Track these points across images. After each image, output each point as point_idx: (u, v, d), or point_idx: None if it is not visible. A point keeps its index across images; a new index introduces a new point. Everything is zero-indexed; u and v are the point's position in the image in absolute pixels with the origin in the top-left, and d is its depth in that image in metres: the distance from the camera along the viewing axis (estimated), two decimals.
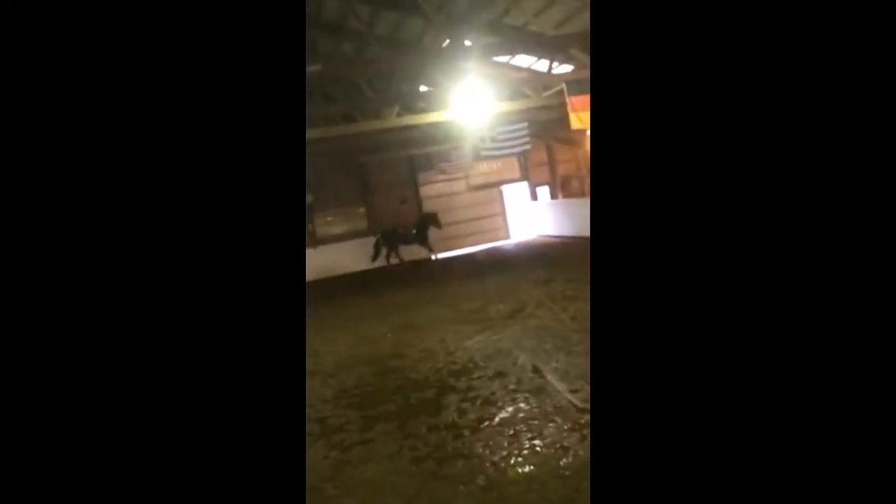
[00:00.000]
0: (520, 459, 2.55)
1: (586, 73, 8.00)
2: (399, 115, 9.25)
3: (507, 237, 13.12)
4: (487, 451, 2.68)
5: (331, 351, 5.09)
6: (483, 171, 13.08)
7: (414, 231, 10.80)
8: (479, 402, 3.34)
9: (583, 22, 8.54)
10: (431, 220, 10.81)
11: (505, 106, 9.21)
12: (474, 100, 8.69)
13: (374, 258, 10.68)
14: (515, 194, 13.42)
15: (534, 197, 13.46)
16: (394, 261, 10.68)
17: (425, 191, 12.85)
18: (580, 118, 7.73)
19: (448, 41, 8.82)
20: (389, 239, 10.72)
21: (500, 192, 13.32)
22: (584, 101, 7.68)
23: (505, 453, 2.63)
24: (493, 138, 9.78)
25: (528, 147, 10.15)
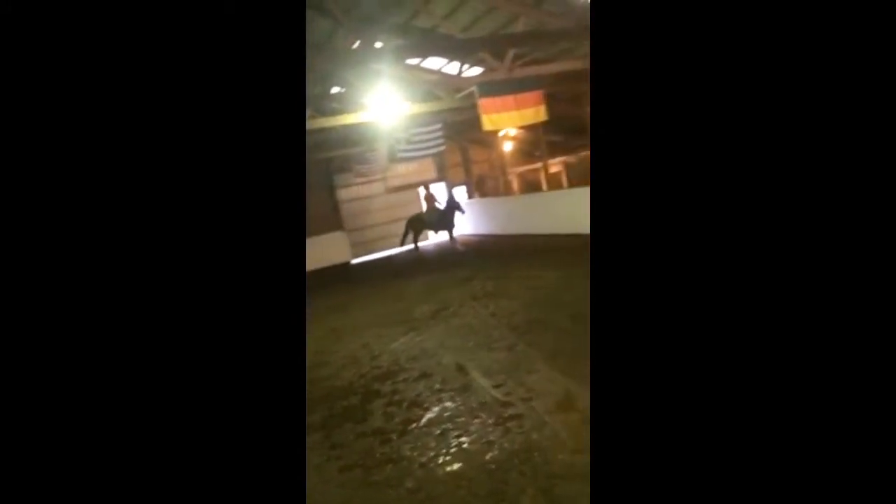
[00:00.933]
0: (448, 458, 2.59)
1: (495, 76, 8.23)
2: (312, 116, 9.05)
3: (427, 238, 13.24)
4: (416, 453, 2.70)
5: None
6: (400, 172, 13.10)
7: (435, 219, 10.90)
8: (405, 404, 3.36)
9: (490, 25, 8.77)
10: (455, 205, 10.87)
11: (418, 108, 9.27)
12: (388, 102, 8.67)
13: (402, 243, 11.15)
14: (433, 195, 13.55)
15: None
16: (410, 245, 11.21)
17: (342, 194, 12.65)
18: (491, 120, 7.92)
19: (358, 42, 8.74)
20: (414, 226, 11.08)
21: (418, 194, 13.40)
22: (495, 102, 7.88)
23: (433, 454, 2.66)
24: (408, 140, 9.81)
25: (443, 148, 10.27)
